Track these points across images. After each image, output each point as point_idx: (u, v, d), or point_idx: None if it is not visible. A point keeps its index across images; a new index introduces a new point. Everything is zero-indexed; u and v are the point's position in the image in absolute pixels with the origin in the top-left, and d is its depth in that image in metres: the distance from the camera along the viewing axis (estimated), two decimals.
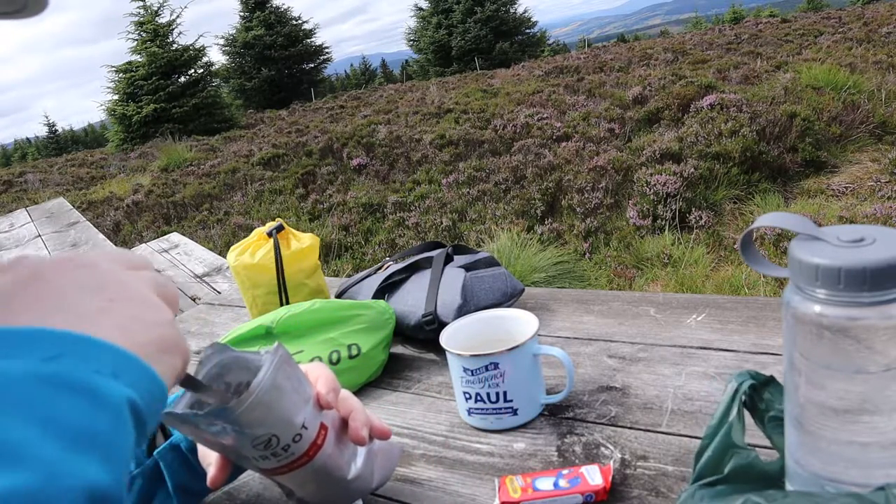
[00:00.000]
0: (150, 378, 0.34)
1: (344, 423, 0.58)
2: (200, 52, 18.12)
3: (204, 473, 0.60)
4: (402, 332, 1.00)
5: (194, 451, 0.63)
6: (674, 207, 4.20)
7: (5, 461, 0.26)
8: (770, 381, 0.52)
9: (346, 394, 0.60)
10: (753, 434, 0.54)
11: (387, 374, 0.94)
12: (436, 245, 1.16)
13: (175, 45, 17.78)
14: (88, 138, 40.90)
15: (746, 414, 0.52)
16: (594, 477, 0.61)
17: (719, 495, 0.47)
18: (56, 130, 40.24)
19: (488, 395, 0.73)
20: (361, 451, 0.60)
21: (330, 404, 0.55)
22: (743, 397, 0.51)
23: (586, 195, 4.64)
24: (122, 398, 0.32)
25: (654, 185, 4.41)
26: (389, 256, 1.22)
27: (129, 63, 17.39)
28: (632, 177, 4.82)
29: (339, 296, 1.16)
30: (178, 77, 17.60)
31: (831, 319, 0.40)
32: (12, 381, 0.29)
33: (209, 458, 0.58)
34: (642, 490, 0.60)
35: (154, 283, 0.40)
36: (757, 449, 0.50)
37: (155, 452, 0.65)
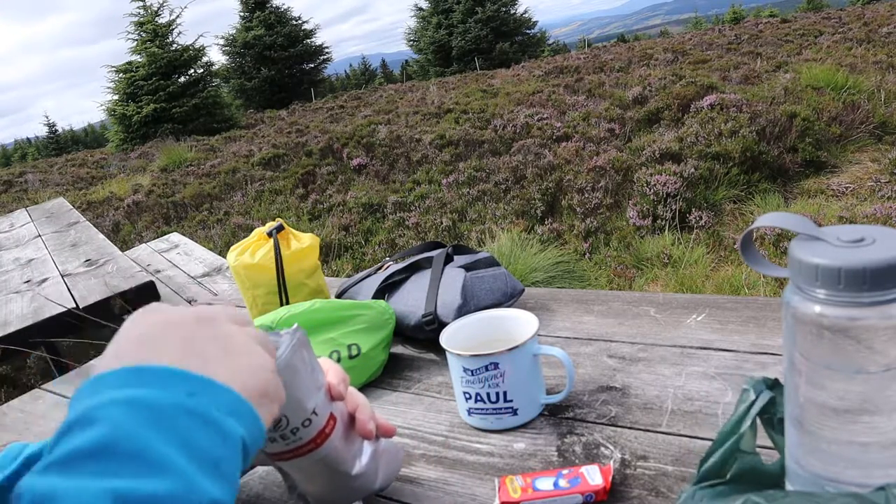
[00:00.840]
0: (255, 420, 0.41)
1: (351, 419, 0.59)
2: (200, 52, 18.12)
3: None
4: (402, 332, 1.00)
5: None
6: (674, 207, 4.20)
7: (154, 469, 0.33)
8: (776, 384, 0.52)
9: (352, 390, 0.62)
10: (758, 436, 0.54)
11: (387, 374, 0.94)
12: (436, 245, 1.16)
13: (175, 45, 17.77)
14: (88, 138, 40.90)
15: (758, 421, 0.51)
16: (594, 477, 0.61)
17: (719, 495, 0.47)
18: (56, 130, 40.24)
19: (488, 395, 0.73)
20: (367, 449, 0.60)
21: (341, 394, 0.57)
22: (757, 405, 0.50)
23: (586, 195, 4.64)
24: (238, 435, 0.38)
25: (654, 185, 4.41)
26: (389, 256, 1.21)
27: (129, 63, 17.38)
28: (632, 177, 4.82)
29: (339, 296, 1.16)
30: (178, 77, 17.60)
31: (831, 319, 0.40)
32: (163, 409, 0.35)
33: None
34: (642, 490, 0.60)
35: (258, 337, 0.47)
36: (759, 450, 0.50)
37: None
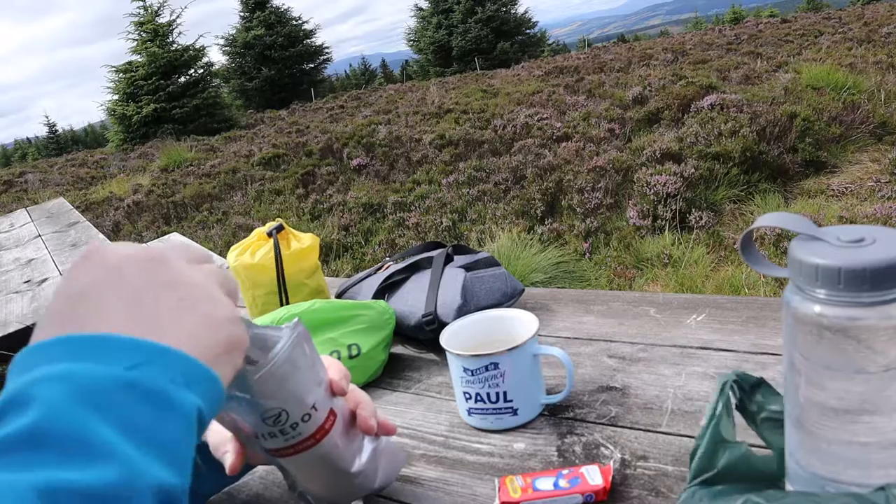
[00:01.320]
0: (214, 384, 0.36)
1: (353, 416, 0.58)
2: (200, 52, 18.11)
3: (209, 474, 0.59)
4: (402, 332, 1.00)
5: (199, 451, 0.64)
6: (674, 207, 4.20)
7: (93, 457, 0.29)
8: (761, 384, 0.53)
9: (354, 387, 0.61)
10: (749, 436, 0.54)
11: (387, 374, 0.94)
12: (436, 245, 1.16)
13: (175, 45, 17.77)
14: (88, 138, 40.90)
15: (738, 416, 0.52)
16: (594, 477, 0.61)
17: (719, 495, 0.47)
18: (56, 130, 40.22)
19: (488, 395, 0.73)
20: (367, 447, 0.60)
21: (343, 389, 0.55)
22: (730, 394, 0.51)
23: (586, 195, 4.64)
24: (193, 407, 0.34)
25: (654, 185, 4.40)
26: (389, 256, 1.22)
27: (129, 63, 17.38)
28: (632, 177, 4.82)
29: (339, 296, 1.16)
30: (179, 77, 17.59)
31: (831, 319, 0.40)
32: (101, 387, 0.31)
33: (224, 447, 0.57)
34: (642, 490, 0.60)
35: (217, 277, 0.41)
36: (754, 450, 0.50)
37: None
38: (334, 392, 0.55)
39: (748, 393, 0.53)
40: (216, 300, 0.39)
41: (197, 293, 0.38)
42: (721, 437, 0.48)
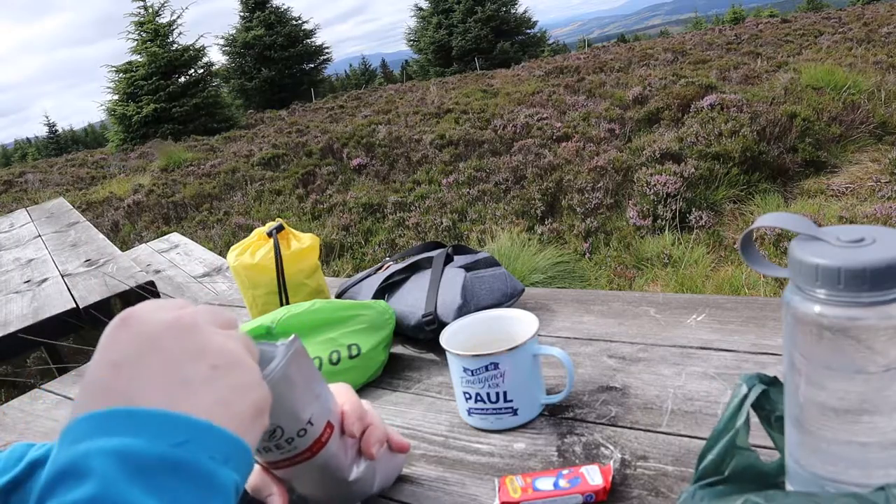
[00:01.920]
0: (247, 455, 0.39)
1: (361, 434, 0.59)
2: (200, 52, 18.12)
3: None
4: (402, 332, 1.00)
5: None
6: (674, 207, 4.20)
7: None
8: (775, 382, 0.52)
9: (368, 408, 0.62)
10: (756, 434, 0.54)
11: (387, 374, 0.94)
12: (436, 245, 1.16)
13: (175, 45, 17.78)
14: (88, 138, 40.89)
15: (752, 415, 0.52)
16: (594, 477, 0.61)
17: (720, 495, 0.47)
18: (56, 130, 40.23)
19: (488, 395, 0.73)
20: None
21: (353, 434, 0.57)
22: (752, 398, 0.50)
23: (586, 195, 4.64)
24: (231, 482, 0.37)
25: (654, 185, 4.41)
26: (389, 256, 1.21)
27: (130, 63, 17.38)
28: (632, 177, 4.82)
29: (339, 296, 1.16)
30: (179, 77, 17.60)
31: (831, 319, 0.40)
32: (151, 464, 0.34)
33: (268, 490, 0.58)
34: (642, 490, 0.60)
35: (243, 342, 0.44)
36: (758, 449, 0.50)
37: None
38: (343, 432, 0.56)
39: (766, 393, 0.52)
40: (244, 366, 0.42)
41: (227, 360, 0.41)
42: (735, 446, 0.48)
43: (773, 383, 0.52)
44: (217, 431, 0.37)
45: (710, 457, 0.48)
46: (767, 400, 0.51)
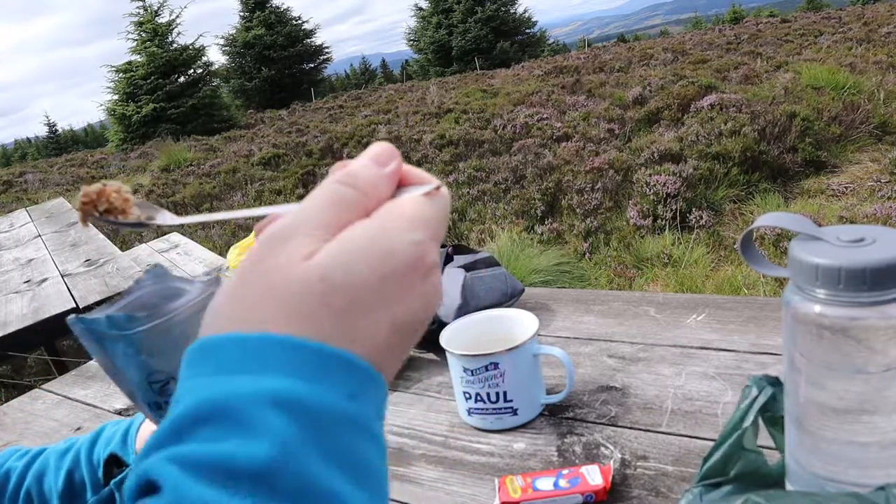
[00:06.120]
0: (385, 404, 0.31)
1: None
2: (200, 51, 18.12)
3: None
4: None
5: None
6: (674, 207, 4.20)
7: None
8: (778, 383, 0.52)
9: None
10: (762, 437, 0.54)
11: None
12: None
13: (175, 45, 17.78)
14: (88, 138, 40.88)
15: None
16: (594, 477, 0.61)
17: (724, 496, 0.47)
18: (56, 130, 40.22)
19: (488, 395, 0.73)
20: None
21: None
22: (760, 401, 0.50)
23: (586, 195, 4.64)
24: (384, 440, 0.30)
25: (654, 185, 4.40)
26: None
27: (129, 63, 17.38)
28: (632, 177, 4.82)
29: None
30: (178, 77, 17.60)
31: (831, 319, 0.40)
32: (328, 421, 0.27)
33: None
34: (642, 490, 0.60)
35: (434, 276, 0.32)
36: (760, 449, 0.50)
37: (112, 482, 0.60)
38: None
39: (774, 396, 0.52)
40: (429, 308, 0.32)
41: (413, 307, 0.31)
42: (741, 446, 0.48)
43: (777, 384, 0.52)
44: (380, 383, 0.30)
45: (715, 457, 0.48)
46: (774, 401, 0.51)
